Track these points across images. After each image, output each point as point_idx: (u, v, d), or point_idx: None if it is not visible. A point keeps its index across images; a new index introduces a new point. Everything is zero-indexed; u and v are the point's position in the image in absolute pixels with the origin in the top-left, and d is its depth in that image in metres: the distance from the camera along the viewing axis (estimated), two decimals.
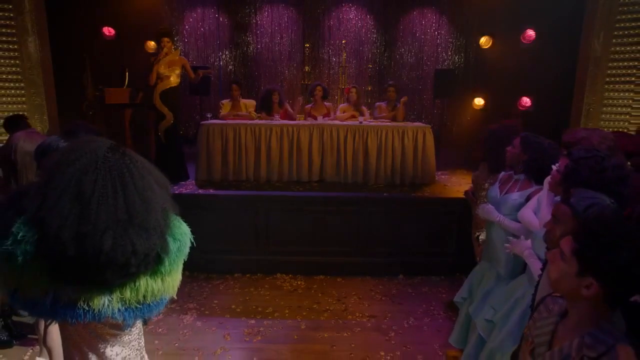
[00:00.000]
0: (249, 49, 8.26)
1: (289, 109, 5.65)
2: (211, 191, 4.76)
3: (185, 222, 1.46)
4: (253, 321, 3.68)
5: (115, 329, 1.39)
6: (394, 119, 5.56)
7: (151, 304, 1.29)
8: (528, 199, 2.40)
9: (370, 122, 5.40)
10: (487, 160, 3.33)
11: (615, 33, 4.65)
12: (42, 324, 2.70)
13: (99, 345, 1.40)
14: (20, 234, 1.12)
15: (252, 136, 5.15)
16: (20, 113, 4.33)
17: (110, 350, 1.43)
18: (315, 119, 5.47)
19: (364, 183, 5.15)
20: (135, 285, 1.23)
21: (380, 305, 4.03)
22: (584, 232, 1.06)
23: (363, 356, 3.20)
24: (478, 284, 2.87)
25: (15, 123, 3.74)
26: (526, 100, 6.18)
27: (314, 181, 5.19)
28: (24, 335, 3.34)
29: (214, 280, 4.47)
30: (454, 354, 3.08)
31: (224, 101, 5.86)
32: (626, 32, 4.62)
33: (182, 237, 1.36)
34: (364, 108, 5.84)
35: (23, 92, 4.66)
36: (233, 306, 3.94)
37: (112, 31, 6.49)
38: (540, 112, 5.80)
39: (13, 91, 4.60)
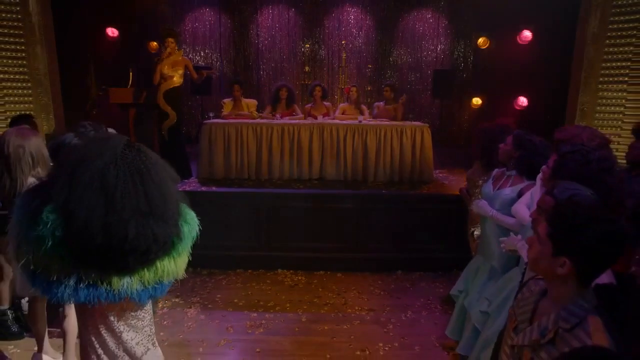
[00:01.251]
0: (250, 49, 8.37)
1: (297, 110, 5.76)
2: (213, 188, 4.87)
3: None
4: (255, 314, 3.79)
5: (131, 309, 1.49)
6: (393, 118, 5.66)
7: (165, 283, 1.42)
8: (520, 194, 2.50)
9: (369, 121, 5.51)
10: (481, 158, 3.43)
11: (609, 34, 4.76)
12: (41, 317, 2.80)
13: (116, 330, 1.51)
14: (50, 222, 1.23)
15: (253, 135, 5.26)
16: (27, 112, 4.44)
17: (127, 335, 1.53)
18: (315, 118, 5.58)
19: (363, 181, 5.26)
20: (153, 268, 1.35)
21: (379, 299, 4.13)
22: (556, 215, 1.17)
23: (362, 347, 3.30)
24: (473, 277, 2.97)
25: (20, 122, 3.80)
26: (523, 100, 6.29)
27: (314, 179, 5.30)
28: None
29: (217, 276, 4.57)
30: (450, 345, 3.18)
31: (225, 100, 5.97)
32: (619, 34, 4.72)
33: (191, 222, 1.49)
34: (363, 107, 5.95)
35: (30, 91, 4.76)
36: (235, 300, 4.05)
37: (116, 32, 6.59)
38: (537, 111, 5.91)
39: (20, 91, 4.70)
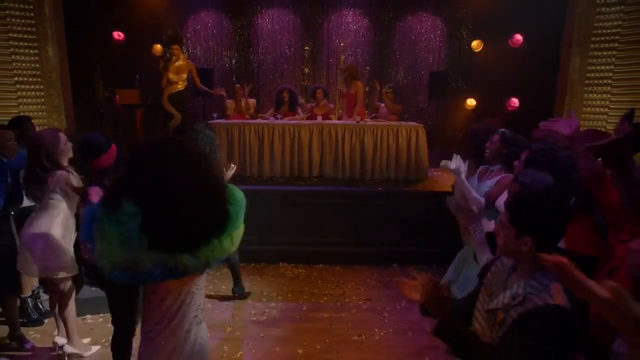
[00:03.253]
0: (250, 51, 8.57)
1: (300, 111, 5.97)
2: None
3: None
4: (259, 304, 4.02)
5: (192, 284, 1.74)
6: (392, 110, 5.88)
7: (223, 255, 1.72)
8: (497, 183, 2.74)
9: (366, 121, 5.74)
10: (472, 157, 3.66)
11: (593, 39, 5.01)
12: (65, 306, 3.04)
13: (178, 303, 1.71)
14: (129, 215, 1.47)
15: (255, 135, 5.49)
16: (29, 114, 4.55)
17: (187, 307, 1.75)
18: (316, 118, 5.80)
19: (360, 178, 5.49)
20: (214, 246, 1.61)
21: (375, 290, 4.37)
22: (514, 201, 1.41)
23: (359, 333, 3.54)
24: (461, 266, 3.21)
25: (22, 124, 3.91)
26: (514, 101, 6.53)
27: (314, 177, 5.53)
28: (51, 314, 3.68)
29: (222, 269, 4.77)
30: None
31: (228, 101, 6.19)
32: (602, 39, 4.97)
33: (238, 202, 1.78)
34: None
35: (42, 93, 4.98)
36: None
37: (122, 35, 6.81)
38: (527, 112, 6.14)
39: (34, 92, 4.92)
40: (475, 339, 1.41)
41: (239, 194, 1.85)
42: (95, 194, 2.44)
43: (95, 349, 3.15)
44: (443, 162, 2.80)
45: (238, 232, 1.78)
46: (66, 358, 3.04)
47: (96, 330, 3.50)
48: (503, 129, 3.07)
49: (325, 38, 8.64)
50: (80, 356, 3.02)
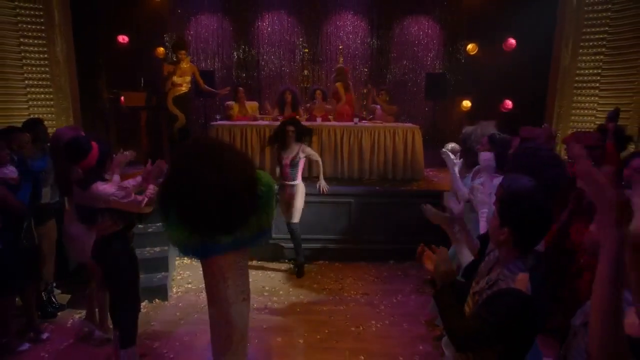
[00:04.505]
0: (251, 53, 8.75)
1: (302, 113, 6.12)
2: None
3: None
4: (261, 297, 4.21)
5: (237, 261, 2.48)
6: (388, 112, 6.07)
7: (259, 233, 2.42)
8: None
9: (364, 122, 5.93)
10: (465, 158, 3.85)
11: (582, 44, 5.20)
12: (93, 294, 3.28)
13: (227, 276, 2.42)
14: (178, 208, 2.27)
15: (257, 136, 5.68)
16: (40, 116, 4.72)
17: (233, 282, 2.48)
18: (315, 119, 5.99)
19: (359, 178, 5.68)
20: (249, 225, 2.31)
21: (372, 285, 4.56)
22: (500, 197, 1.61)
23: (357, 324, 3.74)
24: (452, 259, 3.40)
25: (34, 126, 4.09)
26: (508, 103, 6.72)
27: (314, 176, 5.71)
28: (64, 307, 3.88)
29: None
30: (433, 321, 3.61)
31: (230, 103, 6.37)
32: (591, 44, 5.17)
33: (268, 183, 2.44)
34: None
35: (51, 96, 5.16)
36: None
37: (126, 39, 6.99)
38: (520, 113, 6.34)
39: (43, 96, 5.10)
40: (458, 309, 1.60)
41: (266, 177, 2.46)
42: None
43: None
44: (444, 149, 3.07)
45: (271, 209, 2.42)
46: (94, 341, 3.33)
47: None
48: (492, 132, 3.27)
49: (324, 40, 8.82)
50: (109, 339, 3.23)
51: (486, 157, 2.86)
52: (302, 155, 4.58)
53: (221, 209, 2.19)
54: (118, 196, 2.66)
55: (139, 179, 2.92)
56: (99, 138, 2.90)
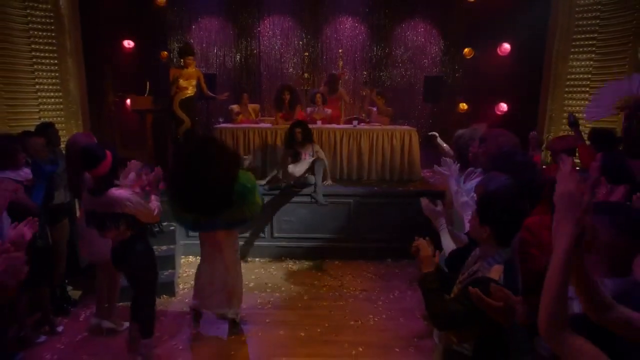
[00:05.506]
0: (252, 56, 8.93)
1: (298, 109, 6.22)
2: None
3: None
4: (264, 294, 4.40)
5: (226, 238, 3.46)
6: (384, 113, 6.26)
7: (243, 219, 3.37)
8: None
9: (363, 125, 6.11)
10: (458, 160, 4.03)
11: (572, 50, 5.39)
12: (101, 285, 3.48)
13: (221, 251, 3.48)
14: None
15: (259, 138, 5.86)
16: (48, 121, 4.89)
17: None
18: (316, 122, 6.17)
19: (358, 179, 5.86)
20: (227, 213, 3.12)
21: (371, 282, 4.74)
22: (480, 198, 1.79)
23: (355, 318, 3.92)
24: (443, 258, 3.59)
25: (46, 129, 4.27)
26: (503, 106, 6.91)
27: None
28: (76, 303, 4.07)
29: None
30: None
31: (233, 106, 6.55)
32: (581, 50, 5.36)
33: (244, 184, 3.19)
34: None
35: (61, 100, 5.33)
36: (246, 283, 4.60)
37: (132, 43, 7.18)
38: (514, 116, 6.53)
39: (53, 100, 5.27)
40: (439, 294, 1.79)
41: (245, 179, 3.22)
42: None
43: (126, 324, 3.53)
44: (435, 168, 3.24)
45: (248, 204, 3.25)
46: (104, 332, 3.55)
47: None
48: (482, 135, 3.44)
49: (324, 44, 9.01)
50: (116, 330, 3.41)
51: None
52: (316, 151, 5.23)
53: (202, 198, 3.05)
54: (132, 201, 2.80)
55: (138, 189, 2.99)
56: (110, 146, 3.08)
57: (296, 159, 5.17)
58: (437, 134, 4.18)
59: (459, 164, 3.95)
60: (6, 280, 1.50)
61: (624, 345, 1.16)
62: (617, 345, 1.12)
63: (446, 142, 4.40)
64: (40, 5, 5.02)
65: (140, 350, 3.10)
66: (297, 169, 5.07)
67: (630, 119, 3.33)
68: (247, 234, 5.30)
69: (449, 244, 2.26)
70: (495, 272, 1.70)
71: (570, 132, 3.79)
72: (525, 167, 2.29)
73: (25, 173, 3.31)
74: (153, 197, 2.98)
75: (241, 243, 5.27)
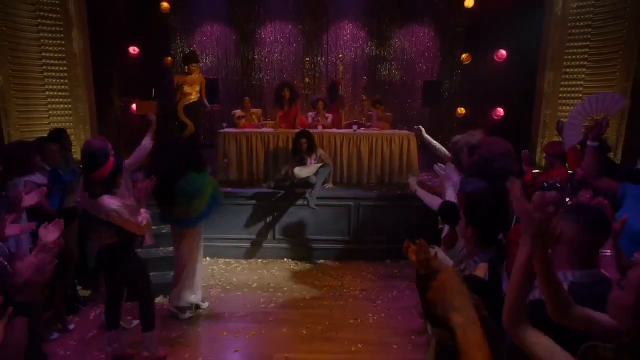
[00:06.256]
0: (253, 61, 9.11)
1: (299, 109, 6.33)
2: (229, 189, 5.61)
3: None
4: (267, 293, 4.55)
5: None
6: (384, 119, 6.43)
7: (191, 217, 3.68)
8: None
9: (362, 130, 6.27)
10: (455, 164, 4.19)
11: (565, 57, 5.56)
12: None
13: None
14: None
15: (261, 143, 6.02)
16: (62, 128, 5.06)
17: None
18: (316, 127, 6.32)
19: (357, 182, 6.02)
20: (184, 206, 3.54)
21: (370, 282, 4.90)
22: (464, 201, 1.96)
23: (355, 317, 4.07)
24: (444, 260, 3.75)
25: (59, 135, 4.44)
26: (500, 110, 7.08)
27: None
28: (85, 302, 4.23)
29: (232, 264, 5.33)
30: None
31: (237, 111, 6.71)
32: (573, 57, 5.53)
33: (184, 188, 3.57)
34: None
35: (70, 106, 5.51)
36: (249, 283, 4.81)
37: (137, 50, 7.35)
38: (511, 120, 6.69)
39: (62, 105, 5.45)
40: None
41: (202, 179, 3.67)
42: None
43: (135, 322, 3.69)
44: (435, 167, 3.42)
45: (194, 204, 3.62)
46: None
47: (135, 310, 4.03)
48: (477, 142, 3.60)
49: (324, 49, 9.18)
50: (124, 328, 3.57)
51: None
52: (319, 155, 5.44)
53: (155, 193, 3.39)
54: (119, 213, 2.84)
55: (131, 199, 3.10)
56: (117, 154, 3.21)
57: (302, 164, 5.37)
58: (422, 128, 4.32)
59: (456, 169, 4.14)
60: (37, 279, 1.65)
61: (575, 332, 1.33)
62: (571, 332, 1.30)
63: (444, 146, 4.56)
64: (50, 15, 5.21)
65: (144, 343, 3.29)
66: (303, 172, 5.23)
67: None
68: (251, 236, 5.46)
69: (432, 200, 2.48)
70: (481, 269, 1.86)
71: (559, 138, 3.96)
72: (503, 173, 2.44)
73: (39, 178, 3.47)
74: (142, 210, 3.02)
75: (244, 244, 5.47)
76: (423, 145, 4.72)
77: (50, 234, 1.92)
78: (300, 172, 5.25)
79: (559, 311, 1.34)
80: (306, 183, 5.27)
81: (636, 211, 2.40)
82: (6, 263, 1.87)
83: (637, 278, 1.05)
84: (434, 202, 2.58)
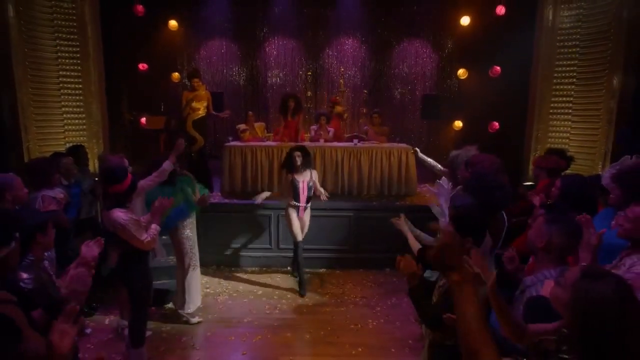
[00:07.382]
0: (257, 75, 9.40)
1: (301, 123, 6.56)
2: (235, 201, 5.87)
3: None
4: (272, 300, 4.77)
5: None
6: (380, 133, 6.68)
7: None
8: None
9: (362, 143, 6.54)
10: (451, 179, 4.42)
11: (555, 75, 5.84)
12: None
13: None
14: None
15: (266, 156, 6.27)
16: (80, 144, 5.32)
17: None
18: (318, 141, 6.58)
19: (357, 194, 6.26)
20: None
21: (370, 289, 5.11)
22: (451, 217, 2.20)
23: (355, 322, 4.29)
24: (430, 278, 3.97)
25: (77, 150, 4.72)
26: (495, 125, 7.33)
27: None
28: (99, 308, 4.45)
29: (238, 272, 5.55)
30: None
31: (241, 126, 6.99)
32: (563, 75, 5.81)
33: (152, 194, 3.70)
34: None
35: (84, 121, 5.79)
36: (255, 290, 5.03)
37: (145, 66, 7.66)
38: (506, 135, 6.94)
39: (77, 121, 5.73)
40: (427, 301, 2.18)
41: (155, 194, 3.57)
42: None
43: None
44: (428, 188, 3.64)
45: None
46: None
47: None
48: (471, 157, 3.84)
49: (326, 63, 9.48)
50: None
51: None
52: (314, 178, 4.93)
53: None
54: (125, 227, 2.97)
55: (148, 216, 3.27)
56: (134, 172, 3.42)
57: (295, 189, 4.84)
58: (417, 150, 4.58)
59: (451, 183, 4.37)
60: (79, 288, 1.92)
61: None
62: None
63: (442, 160, 4.80)
64: (68, 36, 5.52)
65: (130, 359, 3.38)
66: (294, 226, 4.94)
67: None
68: (256, 245, 5.69)
69: (413, 243, 2.74)
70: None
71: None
72: (495, 188, 2.69)
73: (59, 192, 3.72)
74: (153, 226, 3.16)
75: (250, 253, 5.70)
76: (420, 163, 4.98)
77: (91, 250, 2.12)
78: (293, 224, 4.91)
79: (516, 335, 1.58)
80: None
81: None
82: (52, 274, 2.13)
83: (572, 277, 1.27)
84: (414, 245, 2.86)
